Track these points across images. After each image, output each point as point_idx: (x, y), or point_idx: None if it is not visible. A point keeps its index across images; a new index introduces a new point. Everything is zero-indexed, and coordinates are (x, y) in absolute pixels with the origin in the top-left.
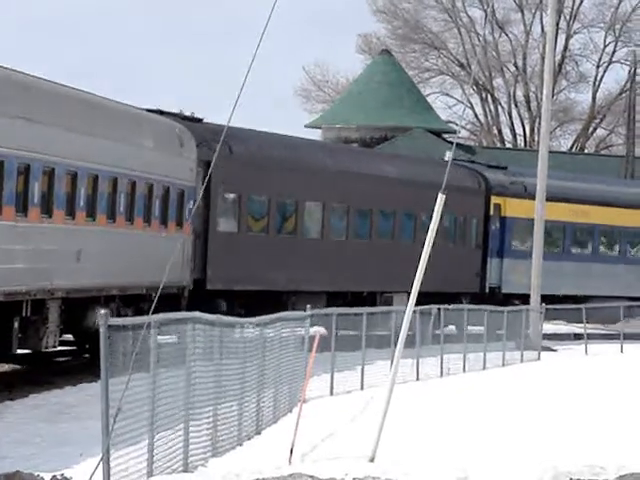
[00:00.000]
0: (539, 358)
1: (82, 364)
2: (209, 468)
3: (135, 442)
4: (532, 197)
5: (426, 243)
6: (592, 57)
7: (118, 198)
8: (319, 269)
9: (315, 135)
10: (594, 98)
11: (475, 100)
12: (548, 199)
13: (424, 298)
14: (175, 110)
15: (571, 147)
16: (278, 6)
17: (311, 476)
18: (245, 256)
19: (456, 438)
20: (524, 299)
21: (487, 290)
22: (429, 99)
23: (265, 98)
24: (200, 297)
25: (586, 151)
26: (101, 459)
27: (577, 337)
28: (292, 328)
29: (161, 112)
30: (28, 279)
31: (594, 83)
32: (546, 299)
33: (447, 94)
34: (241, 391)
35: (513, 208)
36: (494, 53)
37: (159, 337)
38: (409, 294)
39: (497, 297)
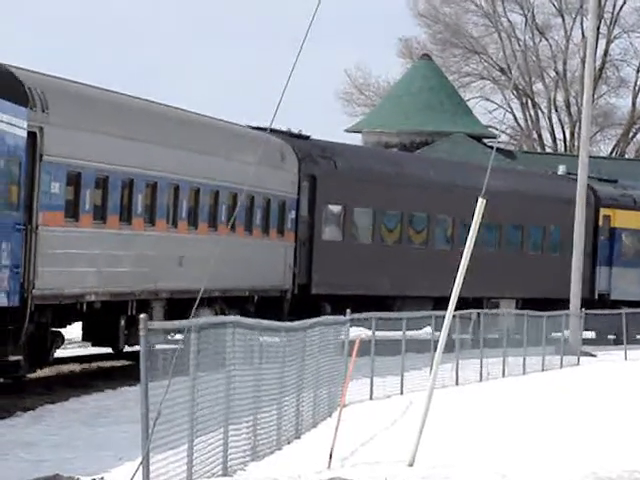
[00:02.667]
0: (579, 363)
1: (122, 367)
2: (248, 472)
3: (174, 446)
4: None
5: (466, 247)
6: (632, 62)
7: (219, 209)
8: (424, 276)
9: (356, 140)
10: (634, 103)
11: (515, 105)
12: None
13: (534, 305)
14: (283, 128)
15: (611, 152)
16: (320, 9)
17: None
18: (350, 263)
19: (495, 443)
20: (633, 305)
21: (596, 296)
22: (469, 104)
23: (306, 101)
24: (306, 301)
25: (626, 156)
26: (141, 463)
27: (616, 342)
28: (332, 332)
29: (271, 130)
30: (132, 281)
31: (634, 88)
32: None
33: (487, 99)
34: (280, 395)
35: (622, 219)
36: (534, 58)
37: (265, 338)
38: (517, 300)
39: (606, 303)
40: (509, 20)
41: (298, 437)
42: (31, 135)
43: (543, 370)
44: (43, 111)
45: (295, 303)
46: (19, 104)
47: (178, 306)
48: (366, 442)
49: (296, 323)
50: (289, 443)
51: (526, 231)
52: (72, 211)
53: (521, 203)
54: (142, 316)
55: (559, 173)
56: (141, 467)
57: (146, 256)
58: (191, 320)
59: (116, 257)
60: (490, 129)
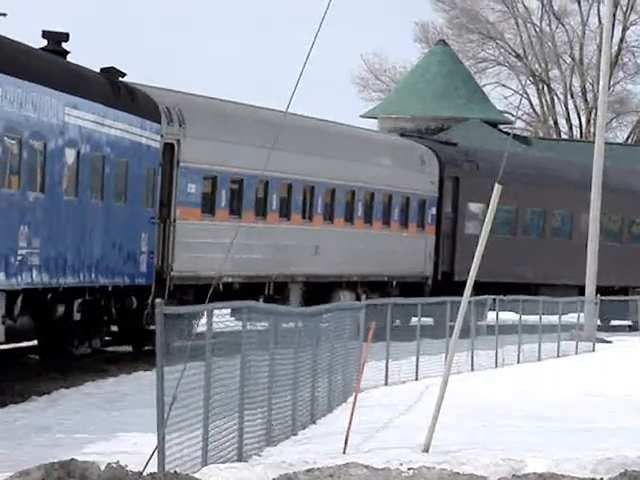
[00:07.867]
0: (594, 349)
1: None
2: (263, 457)
3: (190, 431)
4: None
5: (482, 232)
6: None
7: (356, 205)
8: (567, 266)
9: (371, 125)
10: None
11: (531, 91)
12: None
13: None
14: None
15: (627, 138)
16: None
17: (366, 466)
18: (492, 254)
19: (511, 429)
20: None
21: None
22: (485, 89)
23: (322, 86)
24: (448, 287)
25: None
26: (156, 447)
27: (631, 329)
28: (347, 317)
29: (419, 137)
30: (268, 266)
31: None
32: None
33: (503, 85)
34: (295, 380)
35: None
36: (550, 44)
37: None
38: None
39: None
40: (525, 6)
41: (313, 422)
42: (169, 146)
43: (558, 356)
44: (180, 125)
45: (438, 288)
46: (154, 121)
47: (318, 289)
48: (381, 428)
49: (311, 308)
50: (304, 428)
51: None
52: (209, 207)
53: None
54: (158, 300)
55: None
56: (156, 452)
57: (281, 245)
58: (206, 305)
59: (251, 246)
60: (506, 115)
